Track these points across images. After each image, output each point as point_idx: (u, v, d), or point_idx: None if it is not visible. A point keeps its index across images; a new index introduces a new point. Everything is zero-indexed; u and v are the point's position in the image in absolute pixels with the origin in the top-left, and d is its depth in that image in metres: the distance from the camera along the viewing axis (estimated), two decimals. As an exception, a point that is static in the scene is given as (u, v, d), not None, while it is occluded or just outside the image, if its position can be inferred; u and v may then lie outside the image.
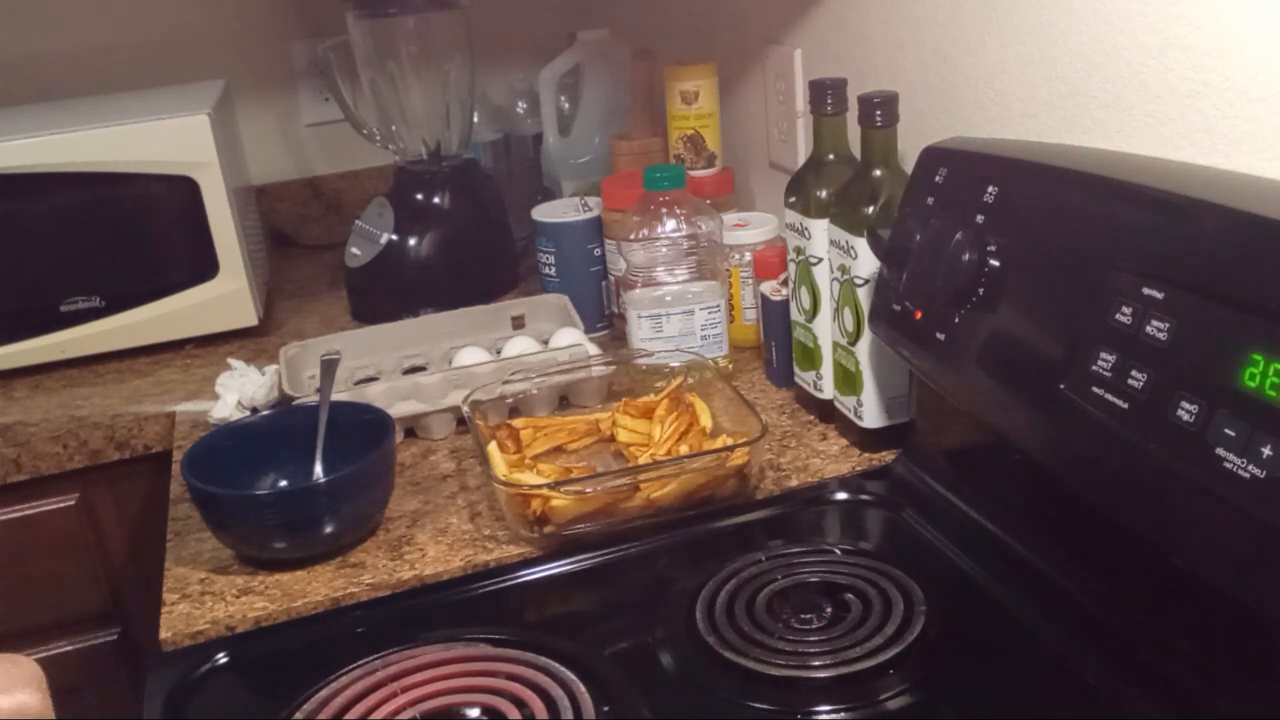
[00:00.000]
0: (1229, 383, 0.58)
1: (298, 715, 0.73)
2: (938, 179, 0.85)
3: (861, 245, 0.92)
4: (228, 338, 1.41)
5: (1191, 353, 0.61)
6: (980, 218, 0.79)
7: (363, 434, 0.95)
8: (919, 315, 0.84)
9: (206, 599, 0.88)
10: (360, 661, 0.77)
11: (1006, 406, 0.75)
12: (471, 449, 1.08)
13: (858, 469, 0.99)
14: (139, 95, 1.53)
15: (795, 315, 1.06)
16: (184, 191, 1.34)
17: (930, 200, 0.85)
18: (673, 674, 0.75)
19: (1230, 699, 0.64)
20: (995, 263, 0.77)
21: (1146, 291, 0.64)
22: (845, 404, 1.01)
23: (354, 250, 1.44)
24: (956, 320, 0.80)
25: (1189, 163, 0.75)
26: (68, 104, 1.51)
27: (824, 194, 0.98)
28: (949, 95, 0.99)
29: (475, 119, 1.54)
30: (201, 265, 1.37)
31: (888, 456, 0.99)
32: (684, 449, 0.97)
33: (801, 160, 1.13)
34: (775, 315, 1.11)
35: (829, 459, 1.00)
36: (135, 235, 1.35)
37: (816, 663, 0.73)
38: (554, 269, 1.33)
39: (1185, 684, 0.67)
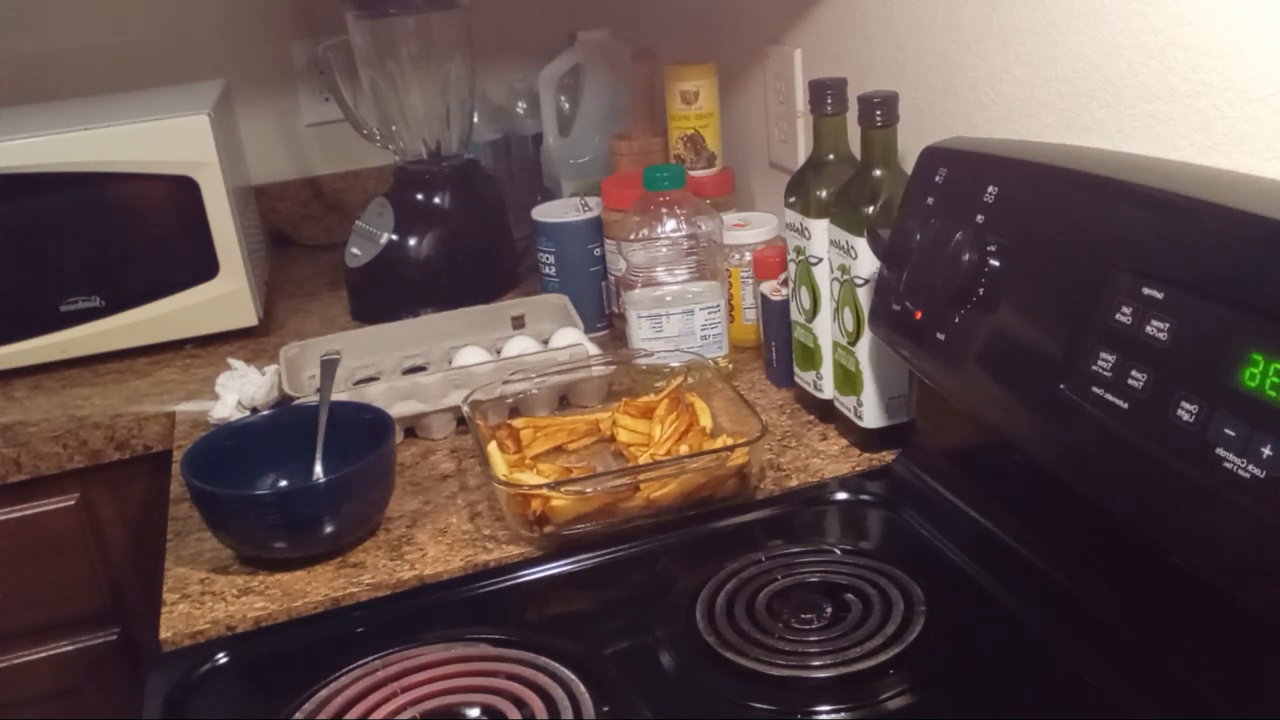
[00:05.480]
0: (1229, 383, 0.58)
1: (298, 715, 0.73)
2: (938, 179, 0.85)
3: (861, 245, 0.92)
4: (228, 338, 1.41)
5: (1191, 353, 0.61)
6: (980, 218, 0.79)
7: (363, 434, 0.95)
8: (919, 315, 0.84)
9: (206, 599, 0.88)
10: (360, 661, 0.77)
11: (1006, 406, 0.75)
12: (471, 449, 1.08)
13: (858, 469, 0.99)
14: (139, 95, 1.53)
15: (795, 315, 1.06)
16: (184, 191, 1.34)
17: (930, 200, 0.85)
18: (673, 674, 0.75)
19: (1230, 699, 0.64)
20: (995, 263, 0.77)
21: (1146, 291, 0.64)
22: (845, 404, 1.01)
23: (354, 250, 1.44)
24: (956, 320, 0.80)
25: (1189, 163, 0.75)
26: (68, 104, 1.51)
27: (824, 194, 0.98)
28: (949, 95, 0.99)
29: (475, 119, 1.54)
30: (201, 265, 1.37)
31: (888, 456, 0.99)
32: (684, 449, 0.97)
33: (801, 160, 1.13)
34: (775, 315, 1.11)
35: (829, 459, 1.01)
36: (135, 235, 1.35)
37: (816, 663, 0.73)
38: (554, 269, 1.33)
39: (1185, 684, 0.67)
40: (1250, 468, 0.56)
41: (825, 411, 1.06)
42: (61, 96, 1.62)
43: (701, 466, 0.92)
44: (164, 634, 0.84)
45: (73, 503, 1.22)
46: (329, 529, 0.90)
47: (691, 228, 1.17)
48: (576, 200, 1.37)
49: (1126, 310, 0.65)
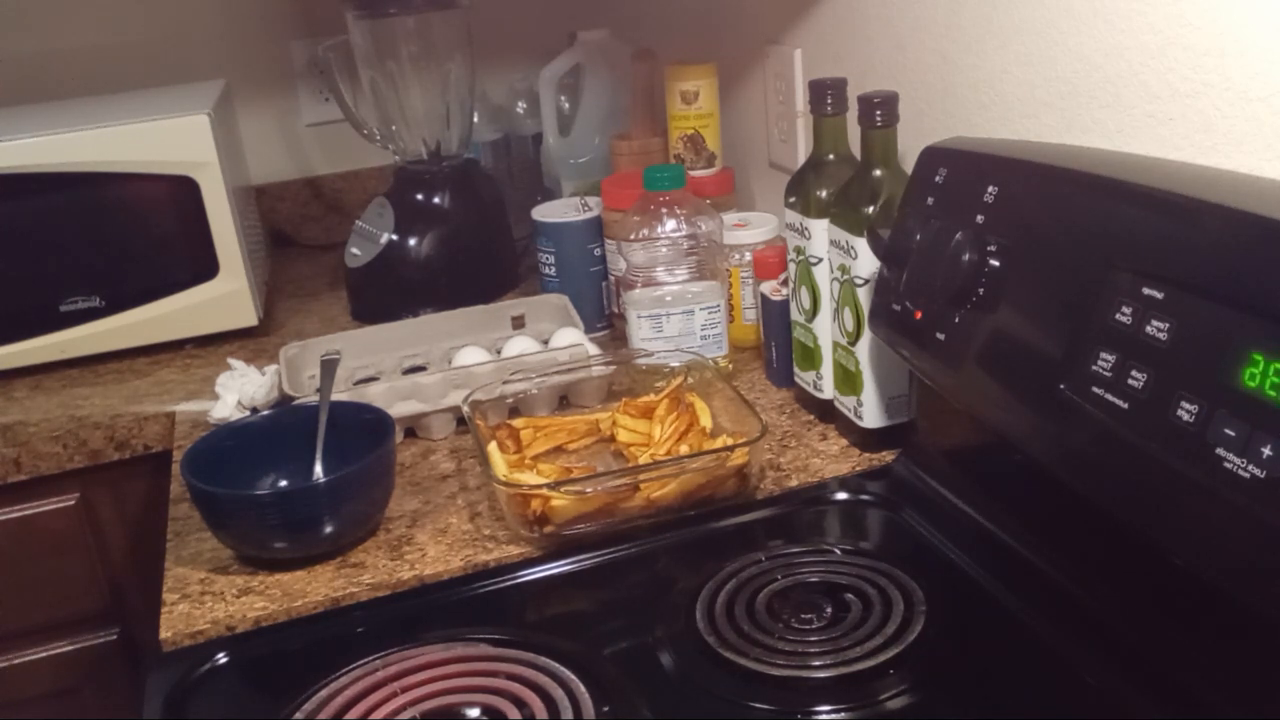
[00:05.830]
0: (1229, 383, 0.58)
1: (298, 715, 0.73)
2: (938, 179, 0.85)
3: (861, 245, 0.92)
4: (228, 338, 1.41)
5: (1191, 353, 0.61)
6: (980, 218, 0.79)
7: (363, 434, 0.95)
8: (919, 315, 0.84)
9: (206, 599, 0.88)
10: (360, 661, 0.77)
11: (1006, 406, 0.75)
12: (471, 449, 1.08)
13: (858, 469, 0.99)
14: (139, 95, 1.53)
15: (795, 315, 1.06)
16: (184, 191, 1.34)
17: (930, 200, 0.85)
18: (673, 674, 0.75)
19: (1230, 699, 0.64)
20: (995, 263, 0.77)
21: (1146, 291, 0.64)
22: (845, 404, 1.01)
23: (354, 250, 1.44)
24: (956, 320, 0.80)
25: (1189, 163, 0.75)
26: (68, 104, 1.51)
27: (824, 194, 0.98)
28: (949, 95, 0.99)
29: (475, 119, 1.54)
30: (201, 265, 1.37)
31: (888, 456, 0.99)
32: (684, 449, 0.97)
33: (801, 160, 1.13)
34: (775, 315, 1.11)
35: (829, 459, 1.00)
36: (135, 235, 1.35)
37: (816, 663, 0.73)
38: (554, 269, 1.33)
39: (1185, 684, 0.67)
40: (1250, 468, 0.56)
41: (825, 411, 1.06)
42: (61, 96, 1.62)
43: (701, 466, 0.92)
44: (164, 634, 0.84)
45: (73, 503, 1.22)
46: (329, 529, 0.90)
47: (691, 228, 1.17)
48: (576, 200, 1.37)
49: (1126, 310, 0.65)
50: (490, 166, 1.65)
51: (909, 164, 0.90)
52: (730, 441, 0.96)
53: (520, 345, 1.16)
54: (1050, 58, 0.86)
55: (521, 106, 1.72)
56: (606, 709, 0.71)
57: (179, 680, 0.80)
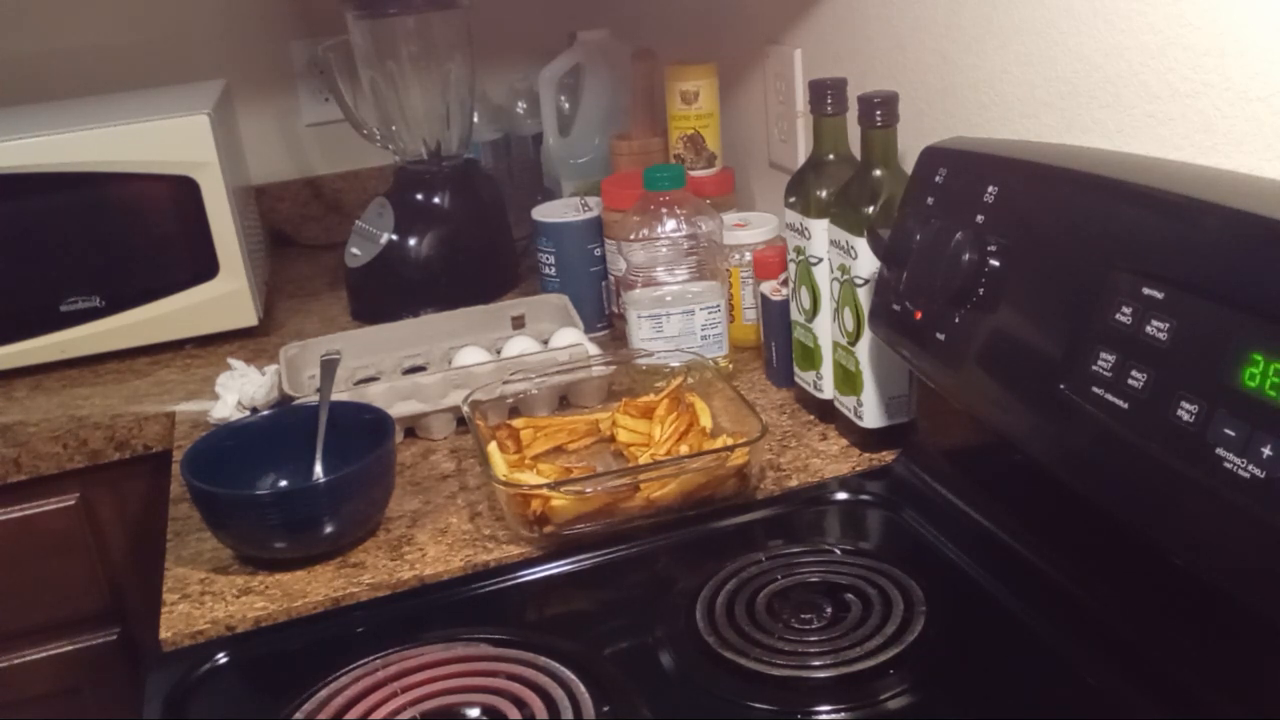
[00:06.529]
0: (1229, 383, 0.58)
1: (298, 715, 0.73)
2: (938, 179, 0.85)
3: (861, 245, 0.92)
4: (228, 338, 1.41)
5: (1191, 353, 0.61)
6: (980, 218, 0.79)
7: (363, 434, 0.95)
8: (919, 315, 0.84)
9: (206, 599, 0.88)
10: (360, 661, 0.77)
11: (1006, 406, 0.75)
12: (471, 449, 1.08)
13: (858, 469, 0.99)
14: (139, 95, 1.53)
15: (795, 315, 1.06)
16: (184, 191, 1.34)
17: (930, 200, 0.85)
18: (673, 674, 0.75)
19: (1230, 699, 0.64)
20: (995, 263, 0.77)
21: (1146, 291, 0.64)
22: (845, 404, 1.01)
23: (354, 250, 1.44)
24: (956, 320, 0.80)
25: (1189, 163, 0.75)
26: (68, 104, 1.51)
27: (824, 194, 0.98)
28: (949, 95, 0.99)
29: (475, 119, 1.54)
30: (201, 265, 1.37)
31: (888, 456, 0.99)
32: (684, 449, 0.97)
33: (801, 160, 1.13)
34: (775, 315, 1.11)
35: (829, 459, 1.00)
36: (135, 235, 1.35)
37: (816, 663, 0.73)
38: (554, 269, 1.33)
39: (1185, 684, 0.67)
40: (1250, 468, 0.56)
41: (825, 411, 1.06)
42: (61, 96, 1.62)
43: (701, 466, 0.92)
44: (164, 634, 0.84)
45: (73, 503, 1.22)
46: (329, 529, 0.90)
47: (691, 228, 1.17)
48: (576, 200, 1.37)
49: (1126, 310, 0.65)
50: (490, 166, 1.65)
51: (909, 164, 0.90)
52: (730, 441, 0.96)
53: (520, 345, 1.16)
54: (1050, 58, 0.86)
55: (521, 106, 1.72)
56: (606, 709, 0.71)
57: (179, 680, 0.80)
